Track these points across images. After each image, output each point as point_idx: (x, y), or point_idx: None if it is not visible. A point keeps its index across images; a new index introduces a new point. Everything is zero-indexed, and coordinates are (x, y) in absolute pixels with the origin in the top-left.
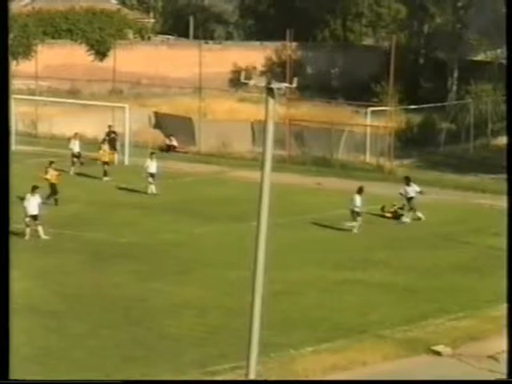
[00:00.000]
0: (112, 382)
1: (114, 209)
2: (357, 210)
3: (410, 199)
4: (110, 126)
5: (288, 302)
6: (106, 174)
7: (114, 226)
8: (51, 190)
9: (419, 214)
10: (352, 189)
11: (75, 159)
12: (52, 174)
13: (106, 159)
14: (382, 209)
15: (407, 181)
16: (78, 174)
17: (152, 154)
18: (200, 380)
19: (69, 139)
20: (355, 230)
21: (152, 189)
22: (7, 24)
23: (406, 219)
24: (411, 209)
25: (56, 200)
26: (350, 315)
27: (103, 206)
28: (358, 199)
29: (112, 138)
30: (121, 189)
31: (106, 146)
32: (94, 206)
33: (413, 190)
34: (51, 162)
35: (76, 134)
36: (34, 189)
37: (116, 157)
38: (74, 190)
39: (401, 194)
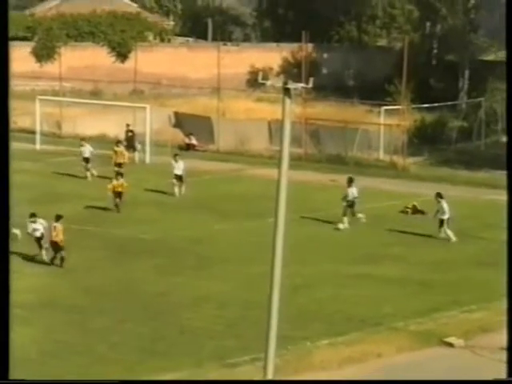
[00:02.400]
0: (111, 382)
1: (136, 206)
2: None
3: (350, 201)
4: (127, 125)
5: (304, 296)
6: (119, 174)
7: (136, 222)
8: (115, 196)
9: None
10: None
11: (86, 163)
12: (117, 184)
13: (121, 161)
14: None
15: (350, 182)
16: (96, 176)
17: (176, 155)
18: (200, 380)
19: (81, 142)
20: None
21: (177, 190)
22: (7, 24)
23: (343, 225)
24: (348, 210)
25: (118, 205)
26: (364, 308)
27: (124, 204)
28: (354, 191)
29: (130, 137)
30: (141, 187)
31: (120, 148)
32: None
33: (353, 192)
34: (117, 174)
35: (83, 139)
36: (31, 216)
37: (137, 155)
38: (94, 189)
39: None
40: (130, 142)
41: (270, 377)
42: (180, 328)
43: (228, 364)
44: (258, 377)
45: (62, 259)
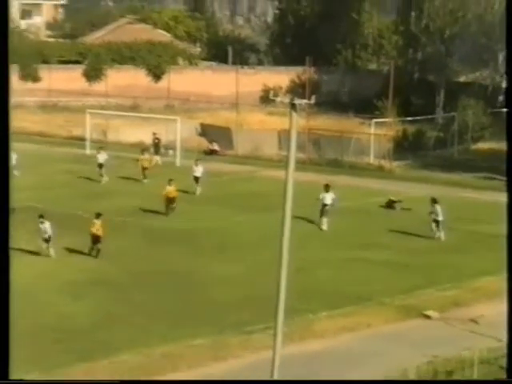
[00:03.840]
0: (111, 382)
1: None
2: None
3: (325, 206)
4: (154, 134)
5: (307, 276)
6: (145, 177)
7: (166, 215)
8: (167, 202)
9: (323, 226)
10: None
11: (99, 169)
12: (170, 190)
13: (146, 165)
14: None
15: (327, 188)
16: (123, 178)
17: (197, 160)
18: (200, 380)
19: (98, 150)
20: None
21: (198, 190)
22: (7, 24)
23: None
24: (323, 215)
25: (173, 208)
26: (357, 287)
27: (156, 200)
28: (330, 195)
29: (156, 144)
30: (171, 185)
31: (145, 156)
32: (149, 200)
33: (330, 197)
34: (170, 180)
35: (100, 147)
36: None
37: (159, 158)
38: (128, 187)
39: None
40: (156, 147)
41: (279, 342)
42: (204, 302)
43: (245, 331)
44: (269, 342)
45: (98, 251)
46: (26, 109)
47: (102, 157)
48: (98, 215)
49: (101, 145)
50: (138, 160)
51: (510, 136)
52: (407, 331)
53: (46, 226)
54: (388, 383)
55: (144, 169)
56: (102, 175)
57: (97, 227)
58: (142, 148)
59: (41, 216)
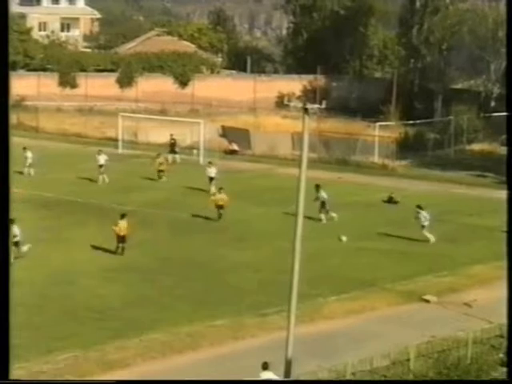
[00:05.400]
0: (109, 382)
1: (191, 195)
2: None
3: (323, 203)
4: (171, 135)
5: (317, 264)
6: (160, 177)
7: (191, 208)
8: (218, 209)
9: (333, 214)
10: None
11: (100, 169)
12: (221, 198)
13: (162, 168)
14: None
15: (317, 188)
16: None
17: (209, 162)
18: (202, 380)
19: (98, 152)
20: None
21: (212, 189)
22: (7, 24)
23: (323, 220)
24: (325, 210)
25: (220, 214)
26: (362, 273)
27: (181, 194)
28: (323, 194)
29: (172, 144)
30: (195, 182)
31: (160, 159)
32: (175, 194)
33: (323, 194)
34: (220, 189)
35: (100, 150)
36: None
37: (176, 157)
38: (156, 184)
39: (317, 198)
40: (172, 147)
41: (293, 323)
42: (224, 286)
43: (260, 314)
44: (283, 323)
45: (123, 249)
46: (65, 112)
47: (102, 158)
48: (123, 216)
49: (130, 145)
50: (154, 160)
51: (510, 136)
52: (408, 314)
53: (15, 229)
54: (388, 383)
55: (160, 171)
56: (101, 174)
57: (120, 227)
58: (157, 153)
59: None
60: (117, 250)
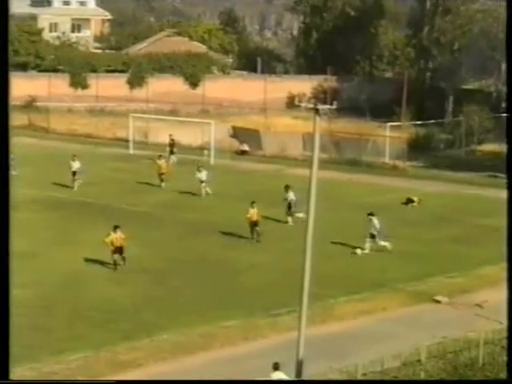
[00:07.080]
0: (108, 382)
1: (199, 197)
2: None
3: (290, 204)
4: (170, 135)
5: (328, 265)
6: (162, 181)
7: (202, 209)
8: (251, 226)
9: (300, 215)
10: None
11: (74, 177)
12: (253, 213)
13: (162, 171)
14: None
15: (287, 188)
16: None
17: (199, 166)
18: (206, 380)
19: (73, 157)
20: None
21: (207, 191)
22: (7, 24)
23: (289, 222)
24: (291, 212)
25: (258, 232)
26: (373, 274)
27: (190, 196)
28: (291, 195)
29: (171, 144)
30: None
31: (161, 162)
32: (183, 196)
33: (291, 195)
34: (252, 202)
35: (74, 155)
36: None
37: (174, 158)
38: (168, 183)
39: (285, 199)
40: (171, 147)
41: (303, 324)
42: (236, 287)
43: (272, 314)
44: (293, 324)
45: (124, 259)
46: (76, 113)
47: (75, 165)
48: (116, 227)
49: (141, 146)
50: (157, 165)
51: (509, 137)
52: (419, 314)
53: None
54: (388, 383)
55: (160, 174)
56: (74, 181)
57: (115, 239)
58: (159, 155)
59: None
60: (115, 262)
